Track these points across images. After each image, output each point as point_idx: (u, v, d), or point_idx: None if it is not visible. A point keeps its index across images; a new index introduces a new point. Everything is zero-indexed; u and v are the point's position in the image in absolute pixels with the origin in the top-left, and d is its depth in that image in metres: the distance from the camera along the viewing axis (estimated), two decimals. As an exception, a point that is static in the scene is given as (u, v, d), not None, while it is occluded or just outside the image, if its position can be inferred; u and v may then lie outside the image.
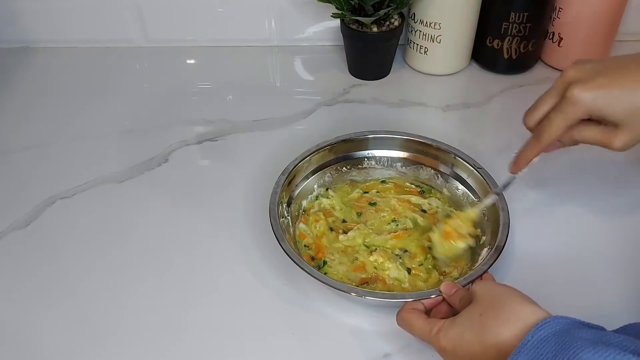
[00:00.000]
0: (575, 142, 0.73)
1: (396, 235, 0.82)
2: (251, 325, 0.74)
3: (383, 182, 0.90)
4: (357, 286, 0.75)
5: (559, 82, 0.70)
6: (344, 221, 0.85)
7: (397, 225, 0.84)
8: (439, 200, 0.87)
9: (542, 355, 0.53)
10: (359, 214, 0.86)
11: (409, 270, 0.78)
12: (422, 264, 0.79)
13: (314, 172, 0.88)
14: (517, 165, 0.75)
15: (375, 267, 0.78)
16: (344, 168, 0.90)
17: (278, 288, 0.78)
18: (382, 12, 1.02)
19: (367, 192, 0.89)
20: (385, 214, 0.85)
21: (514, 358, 0.54)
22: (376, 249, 0.80)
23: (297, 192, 0.85)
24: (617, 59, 0.70)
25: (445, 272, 0.78)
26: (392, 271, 0.78)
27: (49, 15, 1.18)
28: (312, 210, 0.86)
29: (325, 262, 0.79)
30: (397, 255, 0.80)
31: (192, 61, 1.21)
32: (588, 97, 0.67)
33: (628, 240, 0.82)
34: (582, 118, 0.69)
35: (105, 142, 1.01)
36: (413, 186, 0.89)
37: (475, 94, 1.10)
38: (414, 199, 0.87)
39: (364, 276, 0.78)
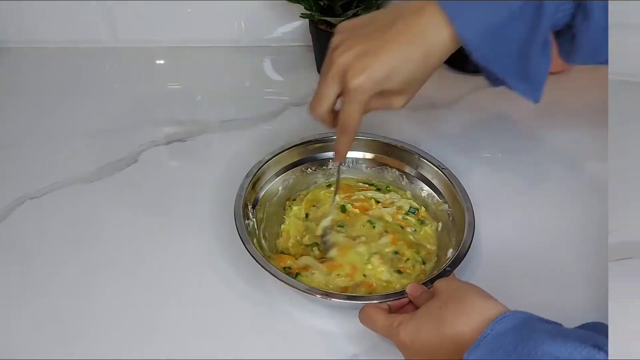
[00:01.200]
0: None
1: (393, 240, 0.81)
2: (217, 326, 0.75)
3: (328, 185, 0.90)
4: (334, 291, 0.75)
5: (334, 72, 0.68)
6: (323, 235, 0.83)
7: (376, 227, 0.83)
8: (397, 194, 0.88)
9: (502, 347, 0.54)
10: (307, 215, 0.86)
11: (399, 272, 0.78)
12: (408, 260, 0.79)
13: (277, 174, 0.87)
14: (338, 158, 0.76)
15: (364, 275, 0.77)
16: (309, 169, 0.90)
17: (245, 290, 0.78)
18: (350, 12, 1.02)
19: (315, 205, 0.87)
20: (361, 223, 0.84)
21: (473, 351, 0.55)
22: (375, 253, 0.79)
23: (261, 194, 0.85)
24: (376, 24, 0.68)
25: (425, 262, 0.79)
26: (385, 274, 0.77)
27: (19, 16, 1.17)
28: (290, 242, 0.84)
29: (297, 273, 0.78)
30: (390, 258, 0.79)
31: (162, 62, 1.21)
32: (368, 83, 0.66)
33: (593, 240, 0.83)
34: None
35: (75, 143, 1.01)
36: (367, 185, 0.90)
37: (444, 95, 1.09)
38: (370, 193, 0.88)
39: (347, 285, 0.76)
